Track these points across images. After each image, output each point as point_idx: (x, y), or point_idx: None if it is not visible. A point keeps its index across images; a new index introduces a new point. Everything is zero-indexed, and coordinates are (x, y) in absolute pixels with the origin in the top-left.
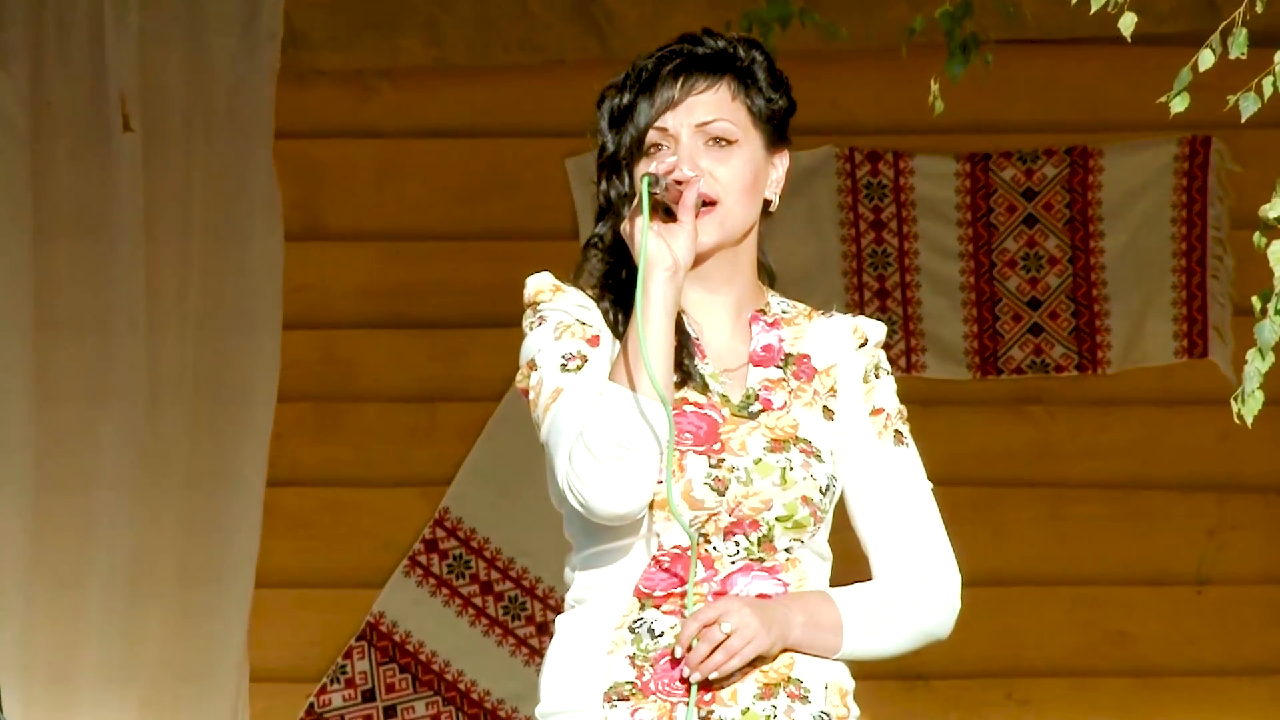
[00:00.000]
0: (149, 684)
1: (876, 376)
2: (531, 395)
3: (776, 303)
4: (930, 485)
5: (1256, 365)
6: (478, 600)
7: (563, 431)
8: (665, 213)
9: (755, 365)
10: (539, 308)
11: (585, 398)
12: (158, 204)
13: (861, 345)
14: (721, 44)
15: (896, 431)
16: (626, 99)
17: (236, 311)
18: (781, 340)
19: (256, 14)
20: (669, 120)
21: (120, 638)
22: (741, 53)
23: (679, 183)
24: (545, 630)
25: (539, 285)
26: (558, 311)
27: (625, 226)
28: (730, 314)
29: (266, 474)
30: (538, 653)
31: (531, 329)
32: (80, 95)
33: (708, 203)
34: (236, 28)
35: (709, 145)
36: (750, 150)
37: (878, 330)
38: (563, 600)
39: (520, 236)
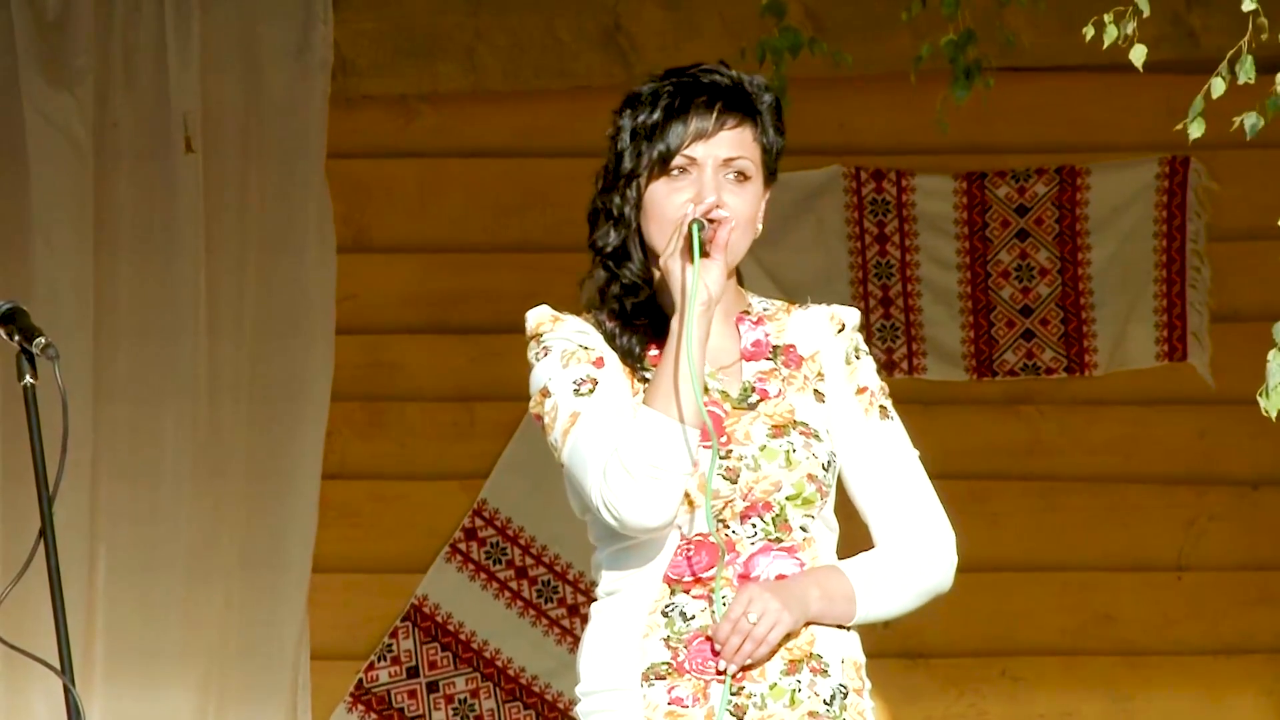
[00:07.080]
0: (210, 662)
1: (857, 357)
2: (547, 420)
3: (757, 302)
4: (917, 453)
5: (1278, 363)
6: (513, 584)
7: (590, 451)
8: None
9: (747, 360)
10: (542, 339)
11: (603, 419)
12: (216, 219)
13: (840, 331)
14: (738, 77)
15: (881, 407)
16: (657, 117)
17: (291, 318)
18: (768, 335)
19: (308, 44)
20: (699, 149)
21: (183, 619)
22: (760, 92)
23: (713, 222)
24: (576, 612)
25: (539, 318)
26: (561, 340)
27: (664, 262)
28: (719, 319)
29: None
30: (569, 632)
31: (538, 360)
32: (144, 118)
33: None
34: (290, 57)
35: (728, 178)
36: (757, 185)
37: (852, 315)
38: (592, 585)
39: (551, 248)
